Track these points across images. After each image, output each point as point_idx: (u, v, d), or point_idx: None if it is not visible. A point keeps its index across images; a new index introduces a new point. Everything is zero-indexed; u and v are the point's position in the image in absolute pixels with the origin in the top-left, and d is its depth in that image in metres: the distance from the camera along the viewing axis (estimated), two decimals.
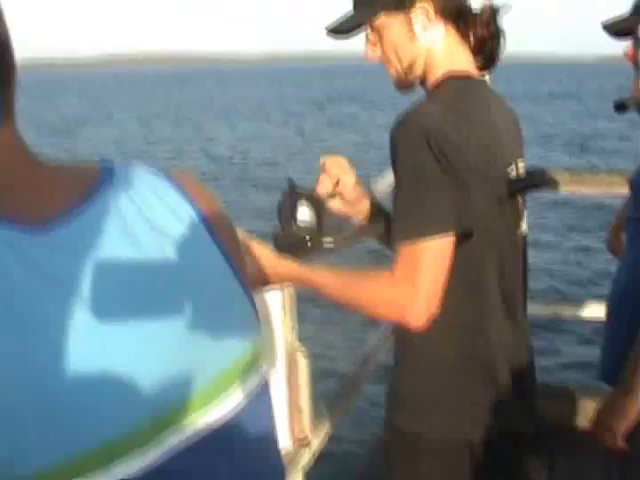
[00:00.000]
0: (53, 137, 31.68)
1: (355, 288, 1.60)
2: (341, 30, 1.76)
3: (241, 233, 1.59)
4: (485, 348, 1.69)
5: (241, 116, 43.14)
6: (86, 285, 0.75)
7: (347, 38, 1.79)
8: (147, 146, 29.24)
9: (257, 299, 2.05)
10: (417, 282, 1.51)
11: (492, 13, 1.72)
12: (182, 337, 0.81)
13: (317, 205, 1.75)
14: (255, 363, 0.90)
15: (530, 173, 1.77)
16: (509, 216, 1.69)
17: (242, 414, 0.86)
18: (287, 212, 1.73)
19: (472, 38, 1.73)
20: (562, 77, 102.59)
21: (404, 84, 1.77)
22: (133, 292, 0.79)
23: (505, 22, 1.73)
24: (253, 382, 0.89)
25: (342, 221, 1.93)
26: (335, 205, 1.88)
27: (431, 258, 1.52)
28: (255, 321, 0.93)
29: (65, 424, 0.70)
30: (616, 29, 2.20)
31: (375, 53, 1.75)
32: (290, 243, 1.71)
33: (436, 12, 1.67)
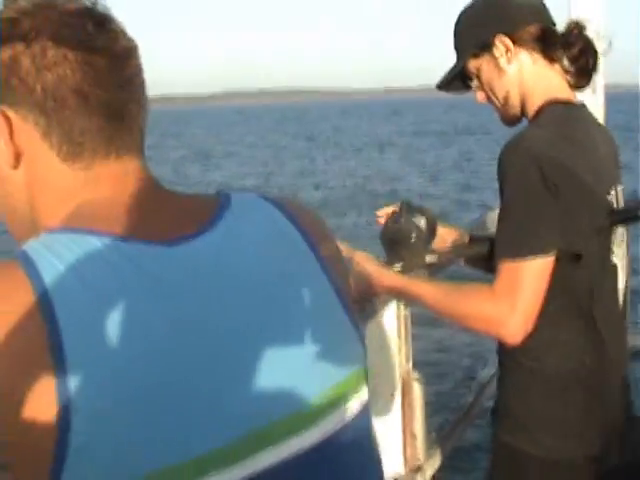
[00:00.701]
0: (188, 168, 32.83)
1: (455, 300, 1.68)
2: (445, 84, 1.89)
3: (345, 247, 1.73)
4: (588, 371, 1.72)
5: (364, 148, 43.35)
6: (200, 298, 0.83)
7: (461, 93, 1.94)
8: (274, 177, 29.80)
9: (372, 324, 2.13)
10: (516, 299, 1.56)
11: (578, 30, 1.77)
12: (286, 358, 0.86)
13: (431, 222, 1.89)
14: (356, 388, 0.94)
15: (632, 205, 1.81)
16: (606, 244, 1.73)
17: (340, 437, 0.90)
18: (402, 211, 1.87)
19: (564, 59, 1.78)
20: None
21: (508, 118, 1.86)
22: (241, 310, 0.85)
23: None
24: (353, 407, 0.93)
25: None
26: None
27: (531, 277, 1.57)
28: (358, 346, 0.97)
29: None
30: None
31: (482, 96, 1.86)
32: (395, 235, 1.85)
33: (515, 43, 1.75)
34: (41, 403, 0.71)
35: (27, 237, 0.87)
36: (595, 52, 1.79)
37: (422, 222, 1.89)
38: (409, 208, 1.91)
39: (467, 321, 1.68)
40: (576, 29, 1.78)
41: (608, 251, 1.74)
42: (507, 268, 1.60)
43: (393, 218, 1.91)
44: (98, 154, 0.88)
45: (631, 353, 1.92)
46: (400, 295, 1.85)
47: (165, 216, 0.88)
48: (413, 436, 2.35)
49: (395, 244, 1.88)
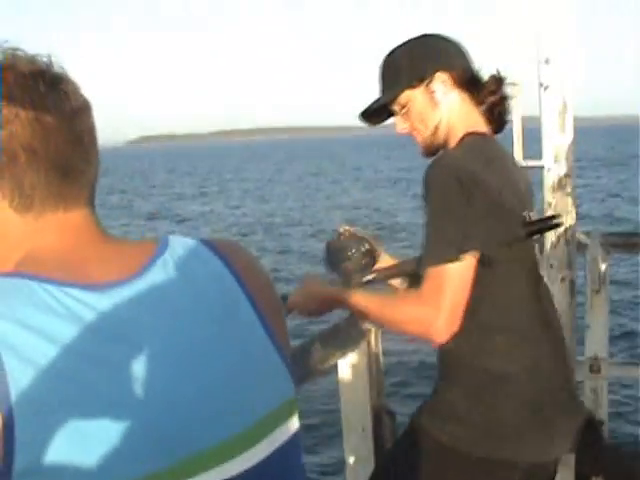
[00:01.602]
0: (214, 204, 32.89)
1: (388, 308, 1.82)
2: (371, 111, 2.00)
3: (308, 276, 2.11)
4: (515, 374, 1.81)
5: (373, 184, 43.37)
6: (142, 334, 0.90)
7: (378, 124, 2.06)
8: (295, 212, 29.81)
9: (344, 362, 2.20)
10: (440, 302, 1.69)
11: (498, 82, 1.97)
12: (214, 392, 0.93)
13: (371, 249, 2.11)
14: (285, 419, 1.00)
15: (545, 217, 1.95)
16: (527, 253, 1.86)
17: (267, 464, 0.96)
18: (343, 233, 2.12)
19: (483, 105, 1.95)
20: None
21: (430, 150, 1.97)
22: (173, 347, 0.92)
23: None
24: (281, 436, 0.99)
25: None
26: None
27: (453, 280, 1.71)
28: (287, 381, 1.03)
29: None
30: None
31: (404, 126, 1.98)
32: (336, 251, 2.12)
33: (453, 81, 1.91)
34: None
35: None
36: (508, 106, 2.00)
37: (363, 245, 2.10)
38: (353, 234, 2.11)
39: (399, 325, 1.81)
40: (496, 81, 1.97)
41: (531, 260, 1.89)
42: (430, 273, 1.72)
43: (335, 238, 2.10)
44: (47, 206, 0.94)
45: None
46: (342, 305, 1.98)
47: (101, 264, 0.94)
48: None
49: (337, 257, 2.06)
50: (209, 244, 1.04)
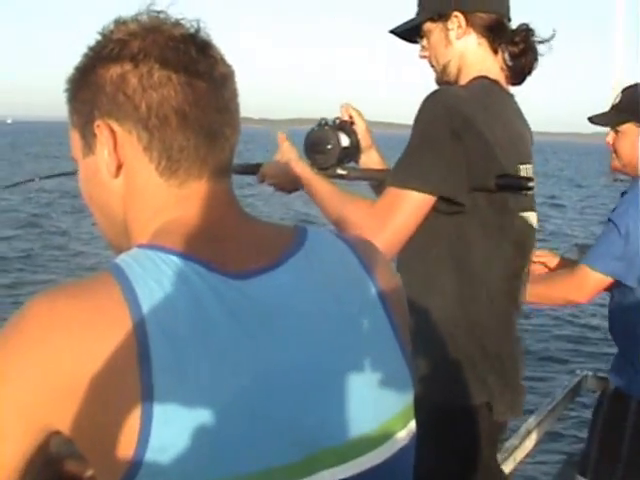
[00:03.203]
0: None
1: (342, 204, 1.83)
2: (399, 33, 2.03)
3: (287, 147, 2.02)
4: (453, 319, 1.81)
5: None
6: (280, 325, 0.87)
7: (412, 42, 2.05)
8: None
9: None
10: (388, 221, 1.71)
11: (526, 33, 1.92)
12: (345, 394, 0.90)
13: (354, 145, 2.07)
14: (406, 421, 0.97)
15: (519, 176, 1.87)
16: (497, 205, 1.82)
17: (388, 464, 0.93)
18: (330, 123, 2.04)
19: (506, 53, 1.94)
20: None
21: (441, 82, 1.98)
22: (303, 349, 0.89)
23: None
24: (402, 439, 0.96)
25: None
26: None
27: (408, 207, 1.73)
28: (410, 383, 0.99)
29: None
30: (597, 122, 2.60)
31: (424, 54, 2.01)
32: (315, 140, 2.02)
33: (467, 23, 1.90)
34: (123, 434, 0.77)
35: (119, 243, 0.97)
36: (534, 58, 1.93)
37: (344, 139, 2.04)
38: (339, 125, 2.07)
39: (343, 224, 1.82)
40: (524, 32, 1.92)
41: (496, 211, 1.82)
42: (390, 192, 1.76)
43: (317, 128, 2.04)
44: (192, 174, 0.92)
45: None
46: (305, 186, 1.98)
47: (244, 245, 0.92)
48: None
49: (313, 149, 2.02)
50: (347, 241, 1.01)
